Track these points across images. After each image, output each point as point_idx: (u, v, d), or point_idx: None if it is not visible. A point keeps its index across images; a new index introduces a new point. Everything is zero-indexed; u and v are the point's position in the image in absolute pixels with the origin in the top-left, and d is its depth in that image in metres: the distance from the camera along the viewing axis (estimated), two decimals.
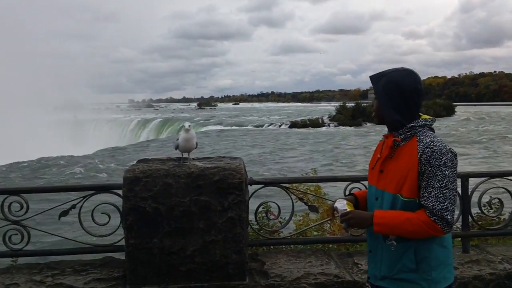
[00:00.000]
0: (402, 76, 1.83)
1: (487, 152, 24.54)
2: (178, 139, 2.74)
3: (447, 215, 1.70)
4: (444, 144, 1.75)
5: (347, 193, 2.87)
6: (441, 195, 1.71)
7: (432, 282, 1.78)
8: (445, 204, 1.71)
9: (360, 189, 2.87)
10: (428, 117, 1.87)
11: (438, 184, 1.71)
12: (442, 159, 1.72)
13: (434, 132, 1.86)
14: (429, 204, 1.72)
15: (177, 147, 2.75)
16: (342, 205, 1.90)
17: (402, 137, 1.83)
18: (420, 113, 1.87)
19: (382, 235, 1.84)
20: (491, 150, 25.31)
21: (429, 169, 1.73)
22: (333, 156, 23.76)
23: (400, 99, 1.81)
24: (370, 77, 1.91)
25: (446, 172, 1.72)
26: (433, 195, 1.72)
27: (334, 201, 1.98)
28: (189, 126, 2.71)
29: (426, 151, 1.74)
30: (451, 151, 1.75)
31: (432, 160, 1.73)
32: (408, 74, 1.84)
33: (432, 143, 1.75)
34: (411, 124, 1.82)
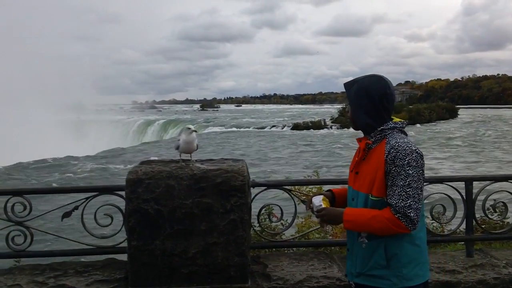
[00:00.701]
0: (371, 82, 1.92)
1: (476, 156, 24.37)
2: (179, 140, 2.73)
3: (409, 212, 1.77)
4: (410, 145, 1.82)
5: None
6: (404, 193, 1.77)
7: (403, 279, 1.83)
8: (408, 202, 1.77)
9: None
10: (399, 120, 1.94)
11: (402, 183, 1.78)
12: (406, 159, 1.78)
13: (405, 134, 1.92)
14: (393, 202, 1.78)
15: (177, 148, 2.74)
16: (318, 201, 1.98)
17: (373, 140, 1.90)
18: (392, 117, 1.94)
19: (357, 233, 1.91)
20: (481, 154, 25.11)
21: (394, 168, 1.80)
22: (317, 160, 23.24)
23: (370, 103, 1.90)
24: (344, 84, 1.99)
25: (410, 172, 1.78)
26: (396, 193, 1.78)
27: (313, 196, 2.06)
28: (193, 131, 2.69)
29: (392, 151, 1.81)
30: (417, 151, 1.82)
31: (396, 160, 1.79)
32: (377, 80, 1.92)
33: (397, 144, 1.82)
34: (381, 127, 1.89)
